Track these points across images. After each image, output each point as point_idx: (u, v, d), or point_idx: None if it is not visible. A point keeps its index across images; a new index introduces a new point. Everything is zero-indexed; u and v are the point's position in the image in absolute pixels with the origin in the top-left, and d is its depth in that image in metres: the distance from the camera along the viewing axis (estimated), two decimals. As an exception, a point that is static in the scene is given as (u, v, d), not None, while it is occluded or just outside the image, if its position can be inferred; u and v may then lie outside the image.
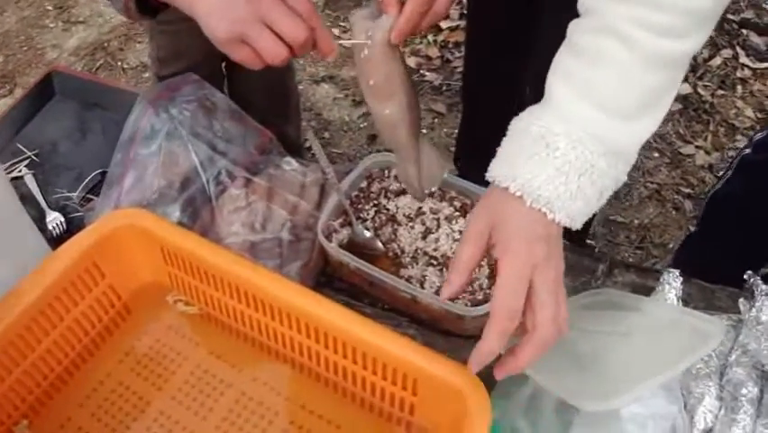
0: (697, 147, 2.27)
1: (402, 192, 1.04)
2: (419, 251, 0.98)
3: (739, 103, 2.41)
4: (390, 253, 0.98)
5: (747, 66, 2.52)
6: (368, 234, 0.99)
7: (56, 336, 0.83)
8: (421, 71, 2.46)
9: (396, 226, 1.01)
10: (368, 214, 1.02)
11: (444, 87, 2.43)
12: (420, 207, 1.02)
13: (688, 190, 2.16)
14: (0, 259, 0.85)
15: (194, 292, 0.90)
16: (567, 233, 0.71)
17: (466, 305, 0.92)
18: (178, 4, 0.72)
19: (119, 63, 2.59)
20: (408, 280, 0.95)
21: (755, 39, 2.61)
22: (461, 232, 1.00)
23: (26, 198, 1.11)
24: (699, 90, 2.44)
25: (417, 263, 0.97)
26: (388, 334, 0.78)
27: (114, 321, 0.90)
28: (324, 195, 1.04)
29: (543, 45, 1.45)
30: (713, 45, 2.57)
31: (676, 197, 2.14)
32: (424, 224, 1.01)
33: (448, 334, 0.94)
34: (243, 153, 1.04)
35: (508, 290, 0.67)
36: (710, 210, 1.65)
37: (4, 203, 0.89)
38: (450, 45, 2.54)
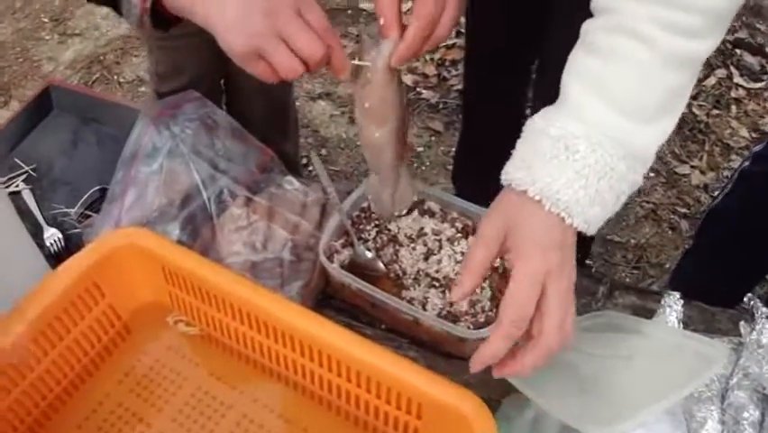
0: (692, 167, 2.28)
1: (404, 212, 1.04)
2: (421, 272, 0.98)
3: (734, 123, 2.43)
4: (392, 275, 0.98)
5: (741, 86, 2.54)
6: (369, 254, 0.99)
7: (55, 356, 0.82)
8: (418, 89, 2.47)
9: (397, 247, 1.00)
10: (369, 234, 1.02)
11: (441, 105, 2.44)
12: (422, 228, 1.02)
13: (684, 210, 2.17)
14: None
15: (195, 313, 0.89)
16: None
17: (468, 327, 0.92)
18: (193, 18, 0.72)
19: (115, 77, 2.59)
20: (410, 301, 0.95)
21: (749, 59, 2.62)
22: (463, 254, 0.99)
23: (23, 214, 1.10)
24: (694, 110, 2.45)
25: (419, 285, 0.97)
26: (392, 357, 0.77)
27: (113, 341, 0.89)
28: (325, 215, 1.03)
29: (547, 64, 1.46)
30: (707, 65, 2.58)
31: (672, 216, 2.15)
32: (426, 245, 1.00)
33: (449, 356, 0.94)
34: (244, 172, 1.03)
35: (520, 297, 0.67)
36: (709, 225, 1.66)
37: (3, 220, 0.89)
38: (447, 63, 2.55)
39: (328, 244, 0.98)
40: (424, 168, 2.25)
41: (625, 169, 0.68)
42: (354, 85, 0.76)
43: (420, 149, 2.30)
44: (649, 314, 0.98)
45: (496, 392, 0.85)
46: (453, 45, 2.56)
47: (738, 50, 2.64)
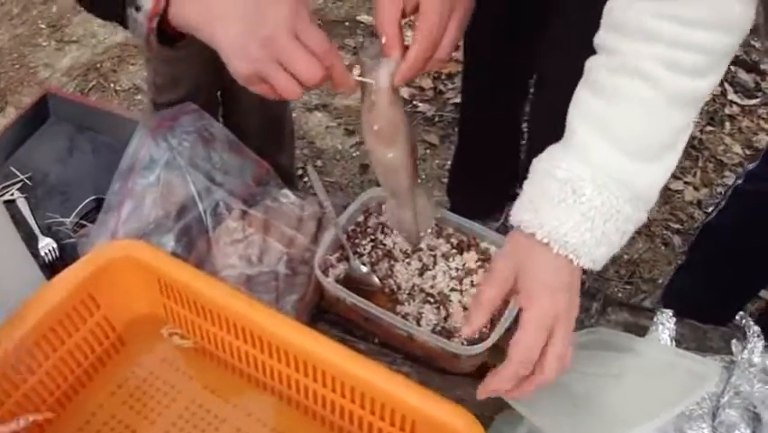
0: (686, 183, 2.29)
1: (399, 227, 1.04)
2: (416, 288, 0.98)
3: (727, 139, 2.44)
4: (387, 289, 0.98)
5: (736, 103, 2.55)
6: (364, 269, 0.99)
7: (49, 367, 0.83)
8: (414, 102, 2.47)
9: (392, 262, 1.01)
10: (364, 249, 1.02)
11: (437, 119, 2.44)
12: (417, 243, 1.02)
13: (677, 226, 2.17)
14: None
15: (189, 326, 0.89)
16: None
17: (462, 343, 0.92)
18: (200, 36, 0.73)
19: (111, 85, 2.58)
20: (405, 317, 0.95)
21: (744, 76, 2.63)
22: (457, 270, 1.00)
23: (18, 223, 1.09)
24: (689, 126, 2.46)
25: (414, 300, 0.97)
26: (385, 373, 0.77)
27: (107, 352, 0.89)
28: (321, 228, 1.03)
29: (544, 79, 1.47)
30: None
31: (665, 232, 2.15)
32: (420, 260, 1.01)
33: (443, 372, 0.94)
34: (240, 185, 1.04)
35: (528, 340, 0.70)
36: (702, 241, 1.67)
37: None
38: (443, 76, 2.55)
39: (323, 258, 0.98)
40: (419, 181, 2.25)
41: (630, 210, 0.70)
42: (362, 113, 0.76)
43: (415, 162, 2.30)
44: (642, 331, 0.98)
45: (489, 409, 0.85)
46: (450, 59, 2.56)
47: (733, 67, 2.65)
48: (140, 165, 0.98)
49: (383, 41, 0.72)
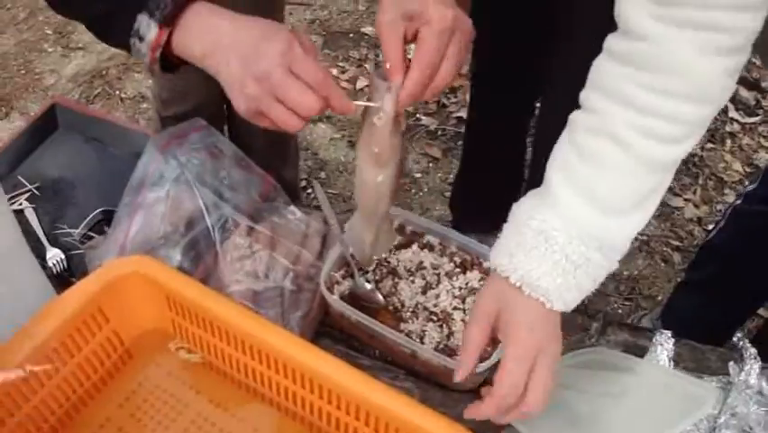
0: (686, 200, 2.30)
1: (403, 245, 1.06)
2: (419, 305, 1.00)
3: (728, 157, 2.45)
4: (390, 307, 1.00)
5: (736, 120, 2.56)
6: (369, 286, 1.00)
7: (59, 379, 0.84)
8: (417, 115, 2.48)
9: (396, 280, 1.02)
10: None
11: (440, 132, 2.45)
12: (421, 262, 1.04)
13: (677, 243, 2.18)
14: (3, 300, 0.86)
15: (196, 341, 0.91)
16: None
17: (464, 362, 0.93)
18: (205, 69, 0.75)
19: (117, 92, 2.59)
20: (408, 334, 0.96)
21: (744, 93, 2.65)
22: (460, 289, 1.01)
23: (26, 233, 1.09)
24: (689, 144, 2.47)
25: (417, 318, 0.98)
26: (389, 392, 0.79)
27: (115, 366, 0.91)
28: (326, 245, 1.05)
29: (549, 102, 1.48)
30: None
31: (665, 249, 2.17)
32: (424, 278, 1.02)
33: (445, 388, 0.95)
34: (247, 200, 1.05)
35: (510, 375, 0.73)
36: (702, 259, 1.69)
37: (10, 242, 0.90)
38: (446, 90, 2.57)
39: (329, 274, 0.99)
40: (421, 194, 2.26)
41: (600, 257, 0.72)
42: (364, 131, 0.77)
43: (418, 175, 2.31)
44: (641, 351, 0.99)
45: (490, 427, 0.86)
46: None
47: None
48: (149, 181, 0.99)
49: (387, 66, 0.74)
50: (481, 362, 0.91)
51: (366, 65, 2.66)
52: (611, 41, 0.72)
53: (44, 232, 1.14)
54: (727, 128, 2.54)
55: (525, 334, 0.73)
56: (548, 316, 0.74)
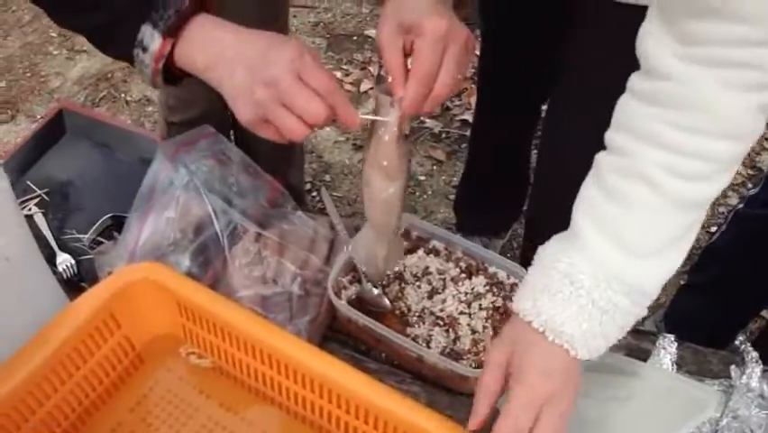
0: (688, 202, 2.30)
1: (409, 251, 1.07)
2: (426, 310, 1.01)
3: (730, 159, 2.45)
4: (397, 312, 1.01)
5: (739, 122, 2.56)
6: (376, 291, 1.02)
7: (72, 385, 0.85)
8: (421, 118, 2.48)
9: (403, 285, 1.03)
10: (376, 271, 1.05)
11: (444, 135, 2.46)
12: (427, 267, 1.05)
13: (679, 245, 2.19)
14: (17, 306, 0.87)
15: (207, 346, 0.92)
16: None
17: (471, 365, 0.94)
18: (207, 81, 0.76)
19: (122, 95, 2.60)
20: (415, 339, 0.98)
21: (747, 95, 2.65)
22: (466, 294, 1.03)
23: (36, 238, 1.10)
24: (692, 146, 2.47)
25: (424, 323, 1.00)
26: (395, 396, 0.80)
27: (127, 371, 0.92)
28: (334, 250, 1.06)
29: (557, 105, 1.48)
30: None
31: (667, 251, 2.17)
32: (430, 283, 1.04)
33: (452, 392, 0.97)
34: (255, 206, 1.06)
35: (514, 420, 0.69)
36: (705, 262, 1.70)
37: (23, 249, 0.91)
38: (450, 94, 2.57)
39: (336, 279, 1.01)
40: (425, 197, 2.27)
41: (629, 303, 0.69)
42: (371, 146, 0.78)
43: (422, 178, 2.32)
44: (644, 354, 1.01)
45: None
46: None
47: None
48: (159, 188, 1.00)
49: (389, 80, 0.75)
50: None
51: (370, 68, 2.67)
52: (634, 81, 0.70)
53: (53, 237, 1.15)
54: (730, 130, 2.53)
55: (537, 377, 0.70)
56: (569, 365, 0.71)
